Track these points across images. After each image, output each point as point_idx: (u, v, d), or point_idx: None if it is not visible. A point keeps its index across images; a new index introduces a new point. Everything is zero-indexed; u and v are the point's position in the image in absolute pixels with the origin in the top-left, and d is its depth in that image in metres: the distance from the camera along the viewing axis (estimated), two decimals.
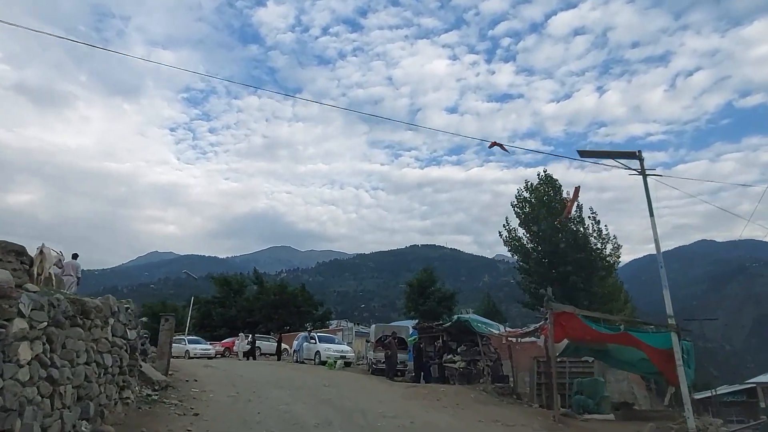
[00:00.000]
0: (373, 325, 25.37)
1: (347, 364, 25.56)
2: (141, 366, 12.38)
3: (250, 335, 34.26)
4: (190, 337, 37.06)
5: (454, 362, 18.50)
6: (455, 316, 20.19)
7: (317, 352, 26.22)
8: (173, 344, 35.93)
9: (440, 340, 20.78)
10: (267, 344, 38.06)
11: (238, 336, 34.33)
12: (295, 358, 28.04)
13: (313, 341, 27.03)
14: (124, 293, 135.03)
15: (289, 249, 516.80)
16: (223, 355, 35.76)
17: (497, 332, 18.03)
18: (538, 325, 15.22)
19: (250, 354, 32.29)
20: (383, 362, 21.75)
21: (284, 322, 45.91)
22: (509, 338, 17.62)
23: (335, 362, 24.20)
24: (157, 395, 11.64)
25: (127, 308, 9.37)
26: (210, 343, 37.94)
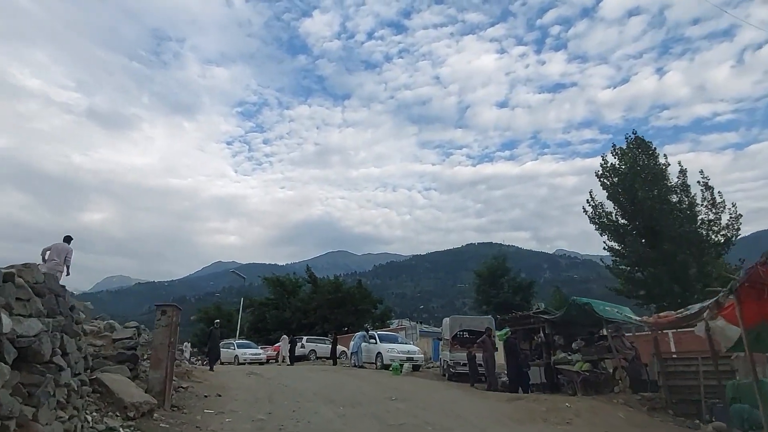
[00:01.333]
0: (447, 319, 20.36)
1: (416, 368, 20.66)
2: (111, 383, 7.97)
3: (292, 336, 30.17)
4: (240, 341, 33.30)
5: (571, 363, 13.18)
6: (572, 299, 14.71)
7: (379, 354, 21.52)
8: (222, 349, 32.32)
9: (541, 334, 15.47)
10: (322, 347, 33.81)
11: (283, 339, 30.21)
12: (352, 361, 23.45)
13: (374, 341, 22.36)
14: (192, 302, 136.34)
15: (346, 253, 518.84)
16: (276, 360, 31.80)
17: (636, 319, 12.54)
18: (708, 303, 9.71)
19: (291, 358, 28.24)
20: (464, 365, 16.72)
21: (341, 322, 41.57)
22: (659, 326, 12.08)
23: (401, 366, 19.39)
24: (129, 427, 7.19)
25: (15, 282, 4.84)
26: (262, 347, 34.06)
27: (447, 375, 18.44)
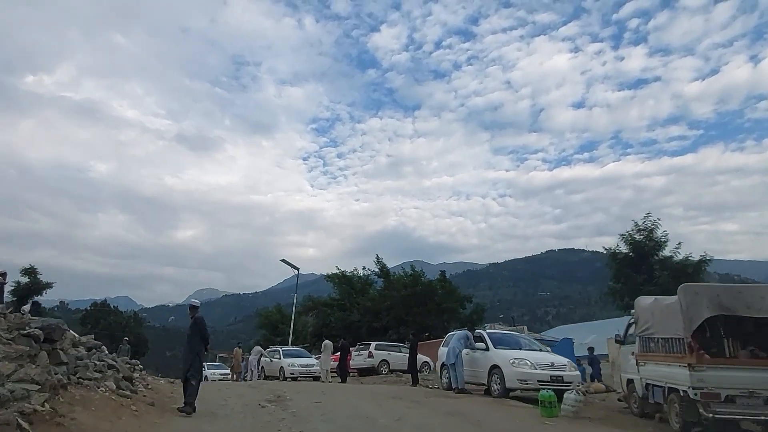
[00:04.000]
0: (647, 299, 10.02)
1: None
2: None
3: (341, 341, 20.52)
4: (288, 349, 24.26)
5: None
6: None
7: (495, 370, 11.35)
8: (265, 359, 23.33)
9: None
10: (396, 356, 24.07)
11: (325, 346, 20.47)
12: (444, 380, 13.42)
13: (482, 346, 12.20)
14: None
15: (422, 263, 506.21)
16: (336, 373, 22.57)
17: None
18: None
19: (343, 372, 18.76)
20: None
21: (420, 324, 31.60)
22: None
23: (552, 398, 9.10)
24: None
25: None
26: (316, 357, 24.90)
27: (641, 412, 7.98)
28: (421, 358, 25.21)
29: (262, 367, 23.53)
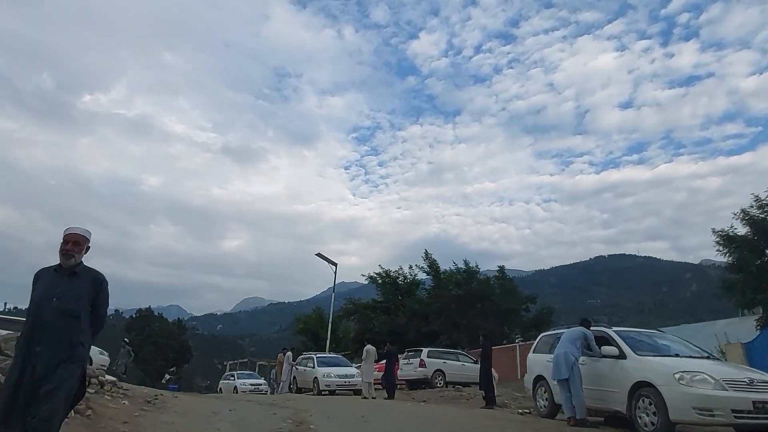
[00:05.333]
0: None
1: None
2: None
3: (388, 347, 15.94)
4: (323, 356, 20.11)
5: None
6: None
7: (646, 392, 6.72)
8: (299, 368, 19.19)
9: None
10: (453, 365, 19.60)
11: (366, 352, 15.88)
12: (542, 402, 8.85)
13: (613, 351, 7.56)
14: None
15: None
16: (380, 386, 18.28)
17: None
18: None
19: (390, 387, 14.40)
20: None
21: (477, 329, 26.88)
22: None
23: None
24: None
25: None
26: (357, 366, 20.70)
27: None
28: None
29: (294, 377, 19.55)
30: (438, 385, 18.87)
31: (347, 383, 17.63)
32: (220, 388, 27.15)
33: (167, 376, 60.36)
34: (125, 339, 22.42)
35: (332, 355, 21.14)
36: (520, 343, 22.79)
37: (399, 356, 17.98)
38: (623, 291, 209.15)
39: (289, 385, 19.66)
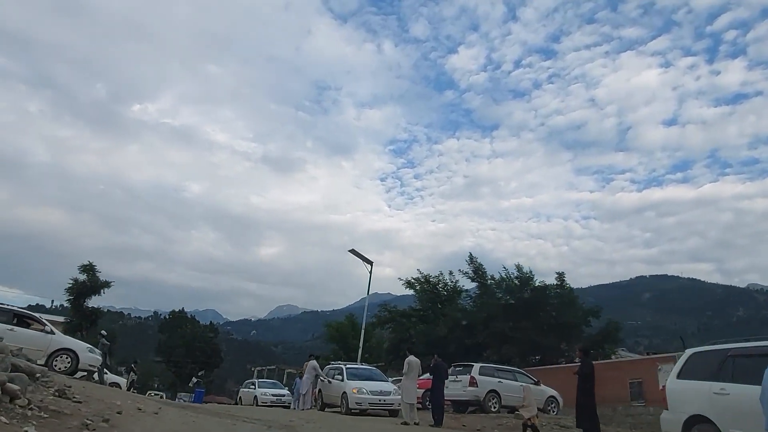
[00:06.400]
0: None
1: None
2: None
3: (437, 360, 12.58)
4: (355, 367, 16.86)
5: None
6: None
7: None
8: (330, 380, 16.07)
9: None
10: (510, 385, 16.04)
11: (408, 364, 12.37)
12: None
13: None
14: None
15: None
16: (424, 405, 14.87)
17: None
18: None
19: (438, 415, 10.91)
20: None
21: (531, 343, 23.11)
22: None
23: None
24: None
25: None
26: (395, 381, 17.37)
27: None
28: (544, 390, 16.98)
29: (319, 390, 16.37)
30: (492, 409, 15.33)
31: (382, 402, 14.37)
32: (240, 397, 24.31)
33: (194, 380, 58.26)
34: (102, 331, 19.34)
35: (365, 366, 17.84)
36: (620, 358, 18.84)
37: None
38: (665, 313, 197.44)
39: (314, 399, 16.50)
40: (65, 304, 35.72)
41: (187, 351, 67.40)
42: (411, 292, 32.03)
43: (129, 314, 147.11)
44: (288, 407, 20.12)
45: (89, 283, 34.30)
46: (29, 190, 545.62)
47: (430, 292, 30.81)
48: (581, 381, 8.26)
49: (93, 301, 34.42)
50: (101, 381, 15.80)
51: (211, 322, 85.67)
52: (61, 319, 39.58)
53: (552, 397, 16.98)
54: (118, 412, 6.80)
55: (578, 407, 8.31)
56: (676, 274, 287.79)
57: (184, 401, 43.95)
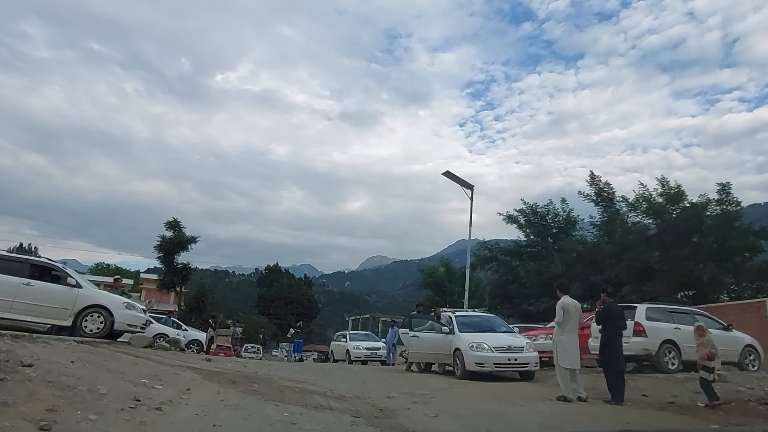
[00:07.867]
0: None
1: None
2: None
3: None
4: (467, 315, 12.70)
5: None
6: None
7: None
8: (418, 334, 12.14)
9: None
10: (690, 334, 10.90)
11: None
12: None
13: None
14: None
15: None
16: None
17: None
18: None
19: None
20: None
21: (686, 276, 17.57)
22: None
23: None
24: None
25: None
26: (515, 328, 13.10)
27: None
28: (738, 337, 11.88)
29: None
30: (671, 366, 10.55)
31: (512, 361, 10.14)
32: (332, 351, 21.52)
33: (292, 330, 58.25)
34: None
35: (479, 312, 13.58)
36: None
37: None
38: None
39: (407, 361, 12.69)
40: (160, 266, 35.13)
41: (284, 303, 68.31)
42: (496, 237, 27.16)
43: (234, 272, 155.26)
44: (385, 362, 17.07)
45: (176, 239, 33.25)
46: (138, 165, 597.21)
47: (539, 225, 25.69)
48: None
49: (182, 257, 33.43)
50: (173, 345, 13.10)
51: (305, 275, 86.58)
52: (154, 276, 39.79)
53: (750, 346, 11.81)
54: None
55: None
56: None
57: (285, 351, 43.50)
